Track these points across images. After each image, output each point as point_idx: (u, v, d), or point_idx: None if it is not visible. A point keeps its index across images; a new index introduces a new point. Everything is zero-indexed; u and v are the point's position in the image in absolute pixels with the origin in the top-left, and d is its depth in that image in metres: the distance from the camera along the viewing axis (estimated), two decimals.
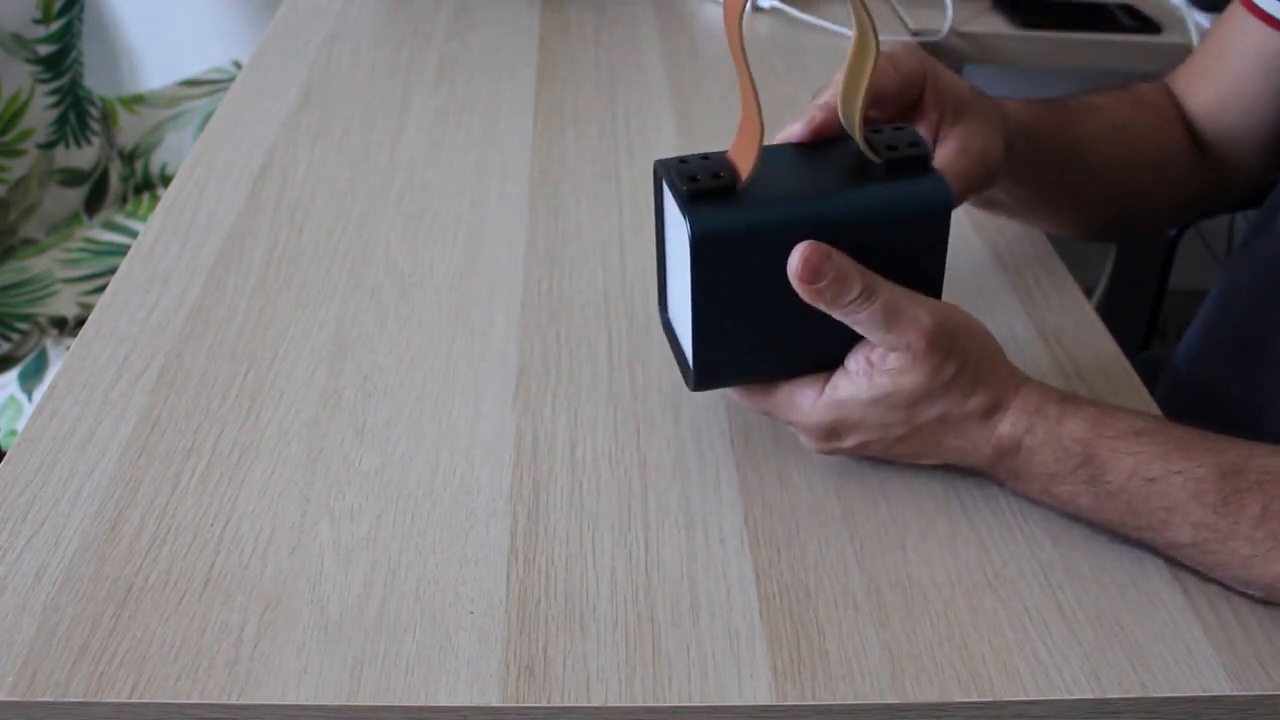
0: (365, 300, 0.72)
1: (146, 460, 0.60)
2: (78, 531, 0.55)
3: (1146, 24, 1.34)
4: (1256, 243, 0.77)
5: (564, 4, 1.21)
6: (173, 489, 0.58)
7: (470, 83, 1.02)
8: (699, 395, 0.65)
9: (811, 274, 0.53)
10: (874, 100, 0.58)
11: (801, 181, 0.56)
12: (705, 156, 0.55)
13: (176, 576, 0.53)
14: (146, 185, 1.72)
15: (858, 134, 0.55)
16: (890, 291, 0.54)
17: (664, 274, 0.61)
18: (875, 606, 0.53)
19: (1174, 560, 0.56)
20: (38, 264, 1.53)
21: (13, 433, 1.29)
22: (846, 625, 0.52)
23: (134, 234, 1.59)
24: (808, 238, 0.53)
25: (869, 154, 0.55)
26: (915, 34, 1.25)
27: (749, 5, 1.07)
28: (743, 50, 0.50)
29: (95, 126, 1.65)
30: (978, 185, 0.64)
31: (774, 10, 1.22)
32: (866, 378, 0.56)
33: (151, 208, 1.50)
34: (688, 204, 0.53)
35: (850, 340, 0.56)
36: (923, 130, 0.62)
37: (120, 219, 1.64)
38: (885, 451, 0.59)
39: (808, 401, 0.58)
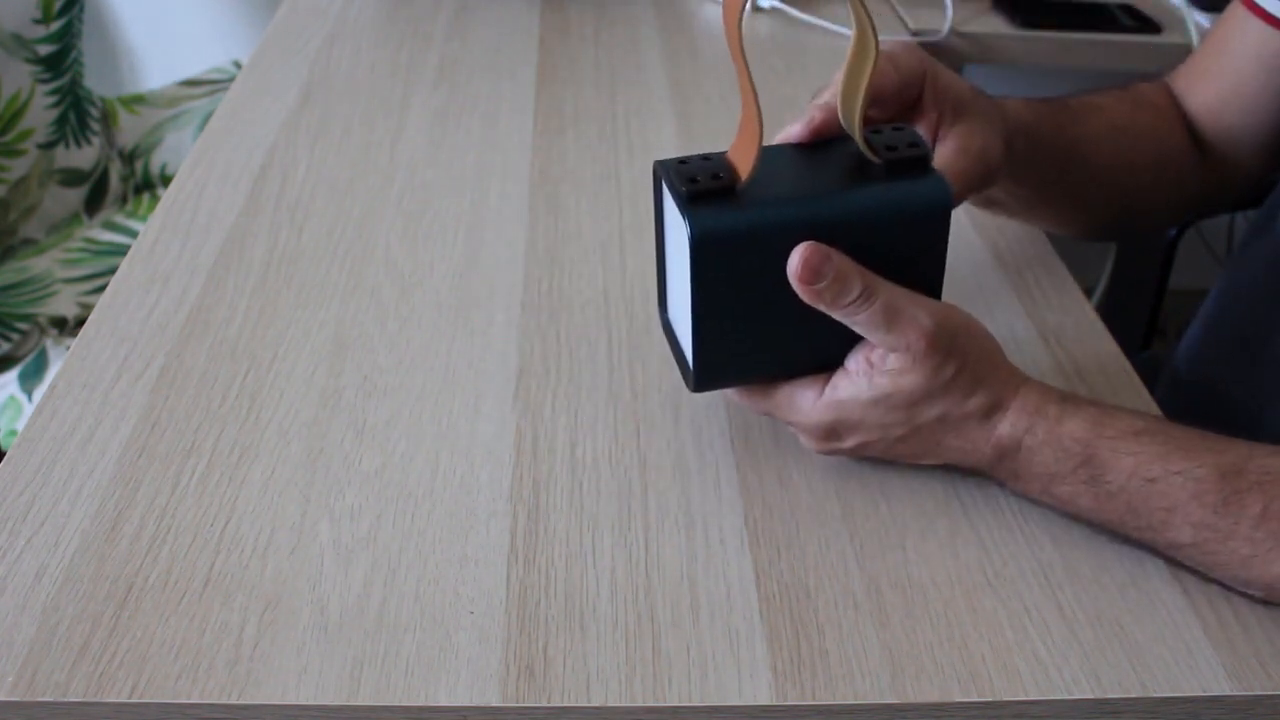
0: (365, 300, 0.72)
1: (146, 460, 0.60)
2: (78, 531, 0.55)
3: (1146, 24, 1.34)
4: (1256, 243, 0.77)
5: (564, 4, 1.21)
6: (173, 489, 0.58)
7: (470, 83, 1.02)
8: (699, 395, 0.65)
9: (811, 275, 0.53)
10: (874, 100, 0.58)
11: (801, 182, 0.56)
12: (705, 157, 0.55)
13: (176, 576, 0.53)
14: (146, 185, 1.72)
15: (857, 134, 0.55)
16: (890, 292, 0.54)
17: (664, 274, 0.61)
18: (875, 606, 0.53)
19: (1174, 560, 0.56)
20: (38, 264, 1.53)
21: (13, 433, 1.29)
22: (846, 625, 0.52)
23: (134, 234, 1.59)
24: (807, 238, 0.53)
25: (869, 154, 0.55)
26: (915, 34, 1.25)
27: (749, 5, 1.07)
28: (742, 50, 0.50)
29: (95, 126, 1.65)
30: (977, 185, 0.64)
31: (774, 10, 1.22)
32: (866, 378, 0.56)
33: (151, 208, 1.50)
34: (687, 205, 0.53)
35: (850, 341, 0.56)
36: (922, 130, 0.62)
37: (120, 219, 1.64)
38: (885, 452, 0.59)
39: (807, 402, 0.58)
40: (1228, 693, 0.50)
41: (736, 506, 0.58)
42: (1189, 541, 0.53)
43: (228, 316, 0.70)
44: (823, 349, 0.57)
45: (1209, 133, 0.82)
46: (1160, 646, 0.52)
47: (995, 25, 1.31)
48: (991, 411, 0.56)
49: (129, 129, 1.71)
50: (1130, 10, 1.37)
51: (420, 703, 0.48)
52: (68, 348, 0.98)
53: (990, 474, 0.59)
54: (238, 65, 1.77)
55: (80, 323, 1.40)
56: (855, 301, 0.54)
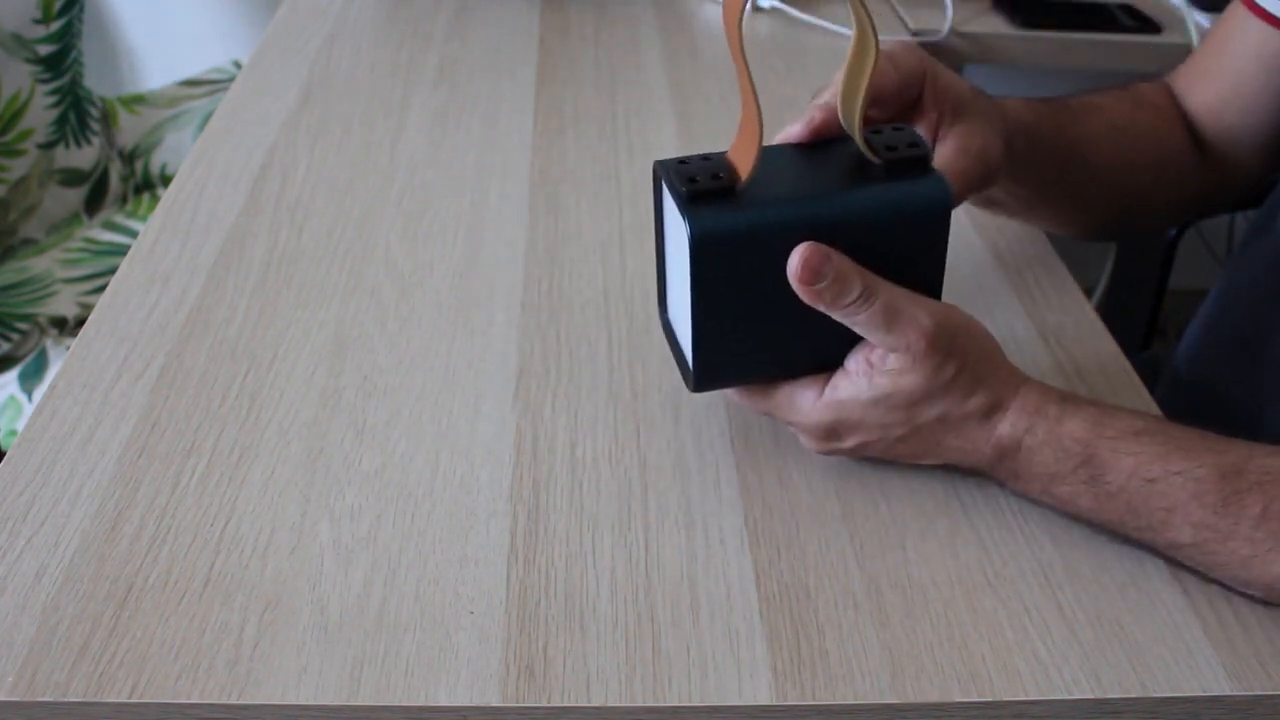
0: (365, 300, 0.72)
1: (146, 460, 0.60)
2: (78, 531, 0.55)
3: (1146, 24, 1.34)
4: (1256, 243, 0.77)
5: (564, 4, 1.21)
6: (173, 489, 0.58)
7: (470, 83, 1.02)
8: (699, 395, 0.65)
9: (811, 275, 0.53)
10: (874, 100, 0.58)
11: (801, 182, 0.56)
12: (705, 157, 0.55)
13: (176, 576, 0.53)
14: (146, 185, 1.72)
15: (857, 134, 0.55)
16: (890, 292, 0.54)
17: (663, 274, 0.61)
18: (875, 606, 0.53)
19: (1174, 560, 0.56)
20: (38, 264, 1.53)
21: (13, 433, 1.29)
22: (846, 625, 0.52)
23: (134, 234, 1.59)
24: (807, 238, 0.53)
25: (868, 154, 0.55)
26: (915, 34, 1.25)
27: (749, 5, 1.07)
28: (742, 50, 0.50)
29: (95, 126, 1.65)
30: (977, 185, 0.64)
31: (774, 10, 1.22)
32: (866, 378, 0.56)
33: (151, 208, 1.50)
34: (687, 205, 0.53)
35: (850, 341, 0.56)
36: (922, 130, 0.62)
37: (120, 219, 1.64)
38: (885, 452, 0.59)
39: (807, 402, 0.58)
40: (1228, 693, 0.50)
41: (736, 506, 0.58)
42: (1189, 542, 0.53)
43: (228, 316, 0.70)
44: (823, 349, 0.57)
45: (1209, 133, 0.82)
46: (1160, 646, 0.52)
47: (995, 25, 1.32)
48: (991, 411, 0.56)
49: (129, 129, 1.71)
50: (1130, 10, 1.37)
51: (420, 703, 0.48)
52: (68, 348, 0.98)
53: (990, 474, 0.59)
54: (238, 65, 1.77)
55: (80, 323, 1.40)
56: (855, 302, 0.54)
